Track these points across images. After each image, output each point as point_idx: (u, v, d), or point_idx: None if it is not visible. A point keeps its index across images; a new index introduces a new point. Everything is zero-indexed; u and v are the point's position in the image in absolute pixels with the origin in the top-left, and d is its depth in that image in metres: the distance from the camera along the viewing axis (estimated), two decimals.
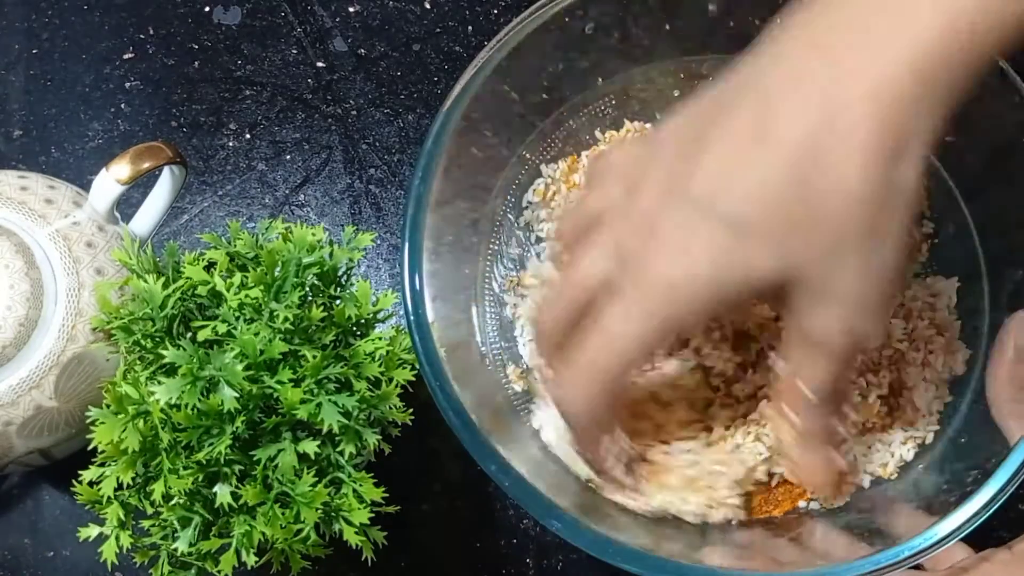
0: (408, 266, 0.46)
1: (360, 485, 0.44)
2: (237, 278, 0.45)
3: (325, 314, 0.44)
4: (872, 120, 0.37)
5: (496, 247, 0.54)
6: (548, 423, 0.49)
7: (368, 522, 0.44)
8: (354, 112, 0.65)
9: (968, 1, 0.36)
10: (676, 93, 0.55)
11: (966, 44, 0.36)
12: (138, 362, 0.45)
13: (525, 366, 0.53)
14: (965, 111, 0.39)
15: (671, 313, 0.41)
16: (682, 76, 0.54)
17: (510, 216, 0.54)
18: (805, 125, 0.37)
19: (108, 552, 0.44)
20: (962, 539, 0.42)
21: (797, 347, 0.41)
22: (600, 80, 0.54)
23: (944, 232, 0.52)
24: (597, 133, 0.56)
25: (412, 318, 0.46)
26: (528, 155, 0.54)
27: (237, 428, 0.42)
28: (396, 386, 0.45)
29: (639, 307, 0.41)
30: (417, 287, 0.46)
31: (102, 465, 0.44)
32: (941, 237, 0.52)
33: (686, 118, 0.41)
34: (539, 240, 0.55)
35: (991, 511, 0.40)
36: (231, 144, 0.65)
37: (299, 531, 0.43)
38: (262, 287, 0.44)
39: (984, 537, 0.45)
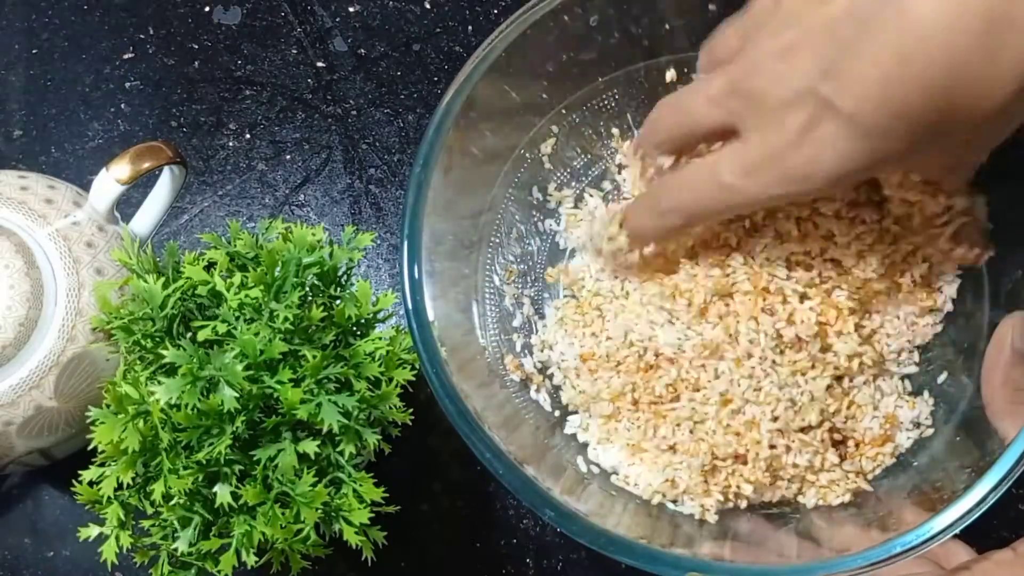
0: (407, 256, 0.46)
1: (360, 485, 0.44)
2: (237, 278, 0.45)
3: (325, 314, 0.44)
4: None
5: (497, 240, 0.54)
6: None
7: (368, 522, 0.44)
8: (354, 112, 0.65)
9: None
10: (677, 87, 0.55)
11: None
12: (138, 362, 0.45)
13: (523, 356, 0.53)
14: None
15: (789, 192, 0.42)
16: (686, 70, 0.54)
17: (512, 209, 0.54)
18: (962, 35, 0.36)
19: (108, 552, 0.44)
20: (964, 540, 0.42)
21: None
22: (600, 75, 0.54)
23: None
24: (600, 127, 0.56)
25: (410, 306, 0.46)
26: (528, 149, 0.54)
27: (237, 428, 0.42)
28: (396, 386, 0.45)
29: (762, 177, 0.42)
30: (416, 276, 0.46)
31: (102, 465, 0.44)
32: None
33: None
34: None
35: (985, 508, 0.41)
36: (231, 144, 0.65)
37: (299, 531, 0.43)
38: (262, 287, 0.44)
39: (986, 538, 0.46)
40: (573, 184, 0.56)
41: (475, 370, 0.50)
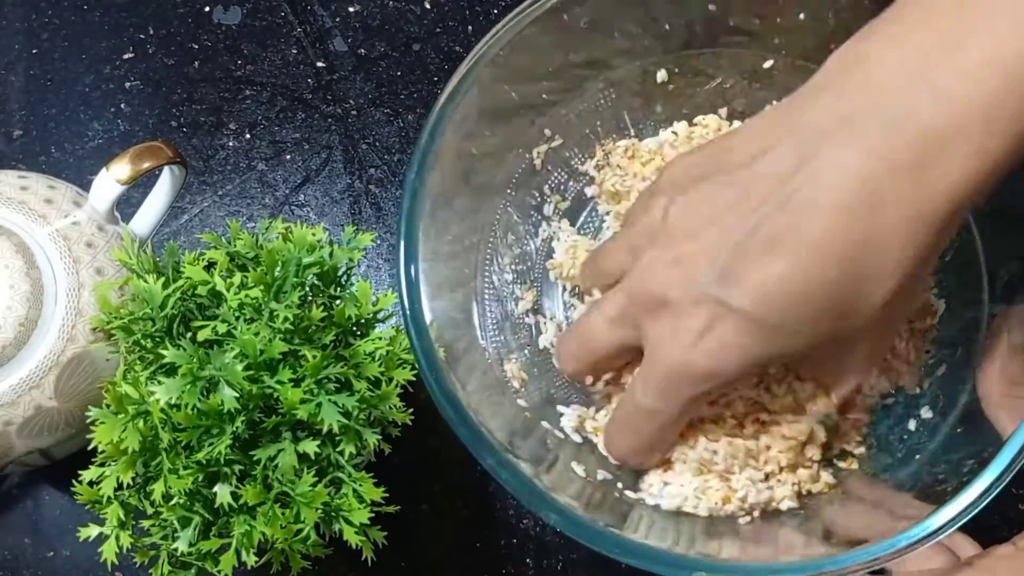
0: (404, 259, 0.46)
1: (360, 485, 0.44)
2: (237, 278, 0.44)
3: (325, 314, 0.44)
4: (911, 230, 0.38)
5: (495, 241, 0.54)
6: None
7: (368, 522, 0.44)
8: (354, 112, 0.65)
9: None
10: (671, 88, 0.55)
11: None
12: (138, 362, 0.45)
13: (526, 358, 0.53)
14: None
15: (703, 391, 0.43)
16: (677, 71, 0.54)
17: (510, 210, 0.54)
18: (848, 218, 0.38)
19: (108, 552, 0.44)
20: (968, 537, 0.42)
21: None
22: (595, 76, 0.54)
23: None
24: (597, 127, 0.56)
25: (407, 312, 0.46)
26: (526, 150, 0.54)
27: (237, 428, 0.42)
28: (396, 386, 0.45)
29: (671, 389, 0.43)
30: (413, 278, 0.46)
31: (102, 465, 0.44)
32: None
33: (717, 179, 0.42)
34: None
35: (987, 501, 0.41)
36: (231, 144, 0.65)
37: (299, 531, 0.43)
38: (262, 287, 0.44)
39: (987, 535, 0.46)
40: (569, 184, 0.56)
41: (475, 373, 0.50)
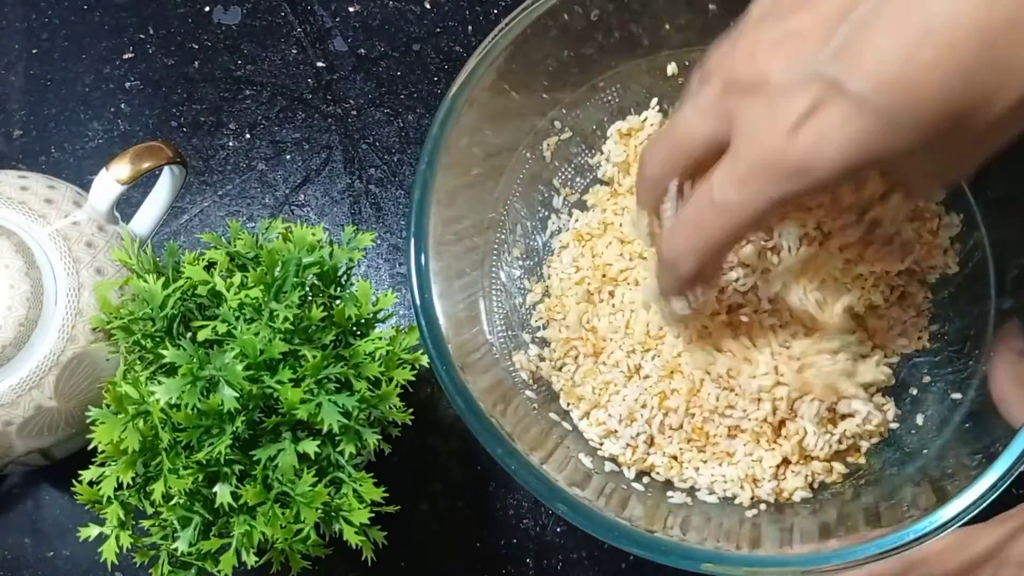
0: (415, 249, 0.47)
1: (360, 485, 0.44)
2: (237, 278, 0.44)
3: (325, 314, 0.44)
4: None
5: (503, 235, 0.54)
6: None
7: (368, 522, 0.44)
8: (354, 112, 0.65)
9: None
10: (680, 81, 0.55)
11: None
12: (138, 362, 0.45)
13: (531, 353, 0.53)
14: None
15: (789, 192, 0.38)
16: (687, 63, 0.54)
17: (518, 205, 0.54)
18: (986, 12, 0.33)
19: (108, 552, 0.44)
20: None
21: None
22: (603, 71, 0.54)
23: (950, 220, 0.52)
24: (604, 122, 0.56)
25: (418, 303, 0.46)
26: (532, 145, 0.54)
27: (237, 428, 0.42)
28: (396, 386, 0.45)
29: (756, 182, 0.38)
30: (423, 267, 0.46)
31: (102, 465, 0.44)
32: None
33: None
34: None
35: (994, 496, 0.41)
36: (231, 144, 0.65)
37: (299, 531, 0.43)
38: (262, 287, 0.44)
39: None
40: (577, 179, 0.56)
41: (483, 365, 0.50)
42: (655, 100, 0.56)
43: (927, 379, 0.51)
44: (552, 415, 0.51)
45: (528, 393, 0.51)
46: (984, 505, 0.41)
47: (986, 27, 0.33)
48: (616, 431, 0.51)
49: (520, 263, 0.55)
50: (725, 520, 0.48)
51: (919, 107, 0.35)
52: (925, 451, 0.49)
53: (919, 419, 0.50)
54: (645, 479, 0.50)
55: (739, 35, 0.40)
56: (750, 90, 0.38)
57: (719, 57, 0.41)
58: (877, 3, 0.35)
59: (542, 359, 0.53)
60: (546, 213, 0.56)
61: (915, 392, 0.51)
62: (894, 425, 0.50)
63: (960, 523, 0.41)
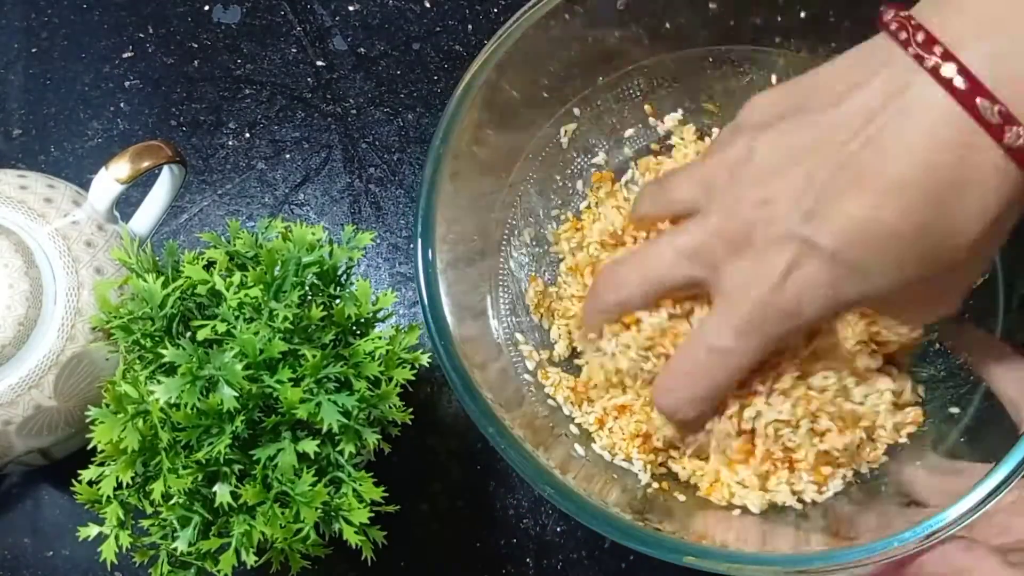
0: (422, 227, 0.47)
1: (360, 485, 0.44)
2: (236, 277, 0.44)
3: (325, 313, 0.44)
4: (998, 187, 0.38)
5: (514, 223, 0.54)
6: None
7: (368, 522, 0.44)
8: (354, 111, 0.65)
9: None
10: (698, 80, 0.55)
11: None
12: (137, 361, 0.45)
13: (537, 339, 0.53)
14: None
15: (783, 332, 0.42)
16: (710, 59, 0.54)
17: (531, 191, 0.54)
18: (936, 163, 0.38)
19: (108, 552, 0.44)
20: None
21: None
22: (626, 62, 0.54)
23: None
24: (625, 114, 0.56)
25: (421, 277, 0.46)
26: (551, 132, 0.54)
27: (237, 428, 0.42)
28: (396, 385, 0.44)
29: (753, 327, 0.42)
30: (429, 246, 0.47)
31: (101, 464, 0.44)
32: None
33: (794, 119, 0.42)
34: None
35: (1001, 495, 0.41)
36: (230, 143, 0.64)
37: (299, 531, 0.42)
38: (262, 286, 0.44)
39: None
40: (593, 171, 0.56)
41: (484, 349, 0.50)
42: (678, 113, 0.56)
43: (926, 392, 0.51)
44: (550, 401, 0.52)
45: (527, 377, 0.52)
46: (991, 503, 0.41)
47: (932, 186, 0.38)
48: (610, 425, 0.51)
49: (529, 251, 0.55)
50: (719, 516, 0.48)
51: (884, 258, 0.39)
52: (919, 463, 0.49)
53: (915, 432, 0.50)
54: (640, 472, 0.50)
55: (706, 181, 0.44)
56: (736, 249, 0.42)
57: (686, 194, 0.45)
58: (840, 165, 0.39)
59: (544, 347, 0.53)
60: (560, 202, 0.56)
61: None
62: (889, 441, 0.50)
63: (968, 522, 0.41)
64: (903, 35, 0.38)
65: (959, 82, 0.37)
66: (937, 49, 0.37)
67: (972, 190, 0.38)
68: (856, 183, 0.39)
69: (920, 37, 0.38)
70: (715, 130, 0.57)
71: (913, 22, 0.38)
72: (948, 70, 0.37)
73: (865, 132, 0.39)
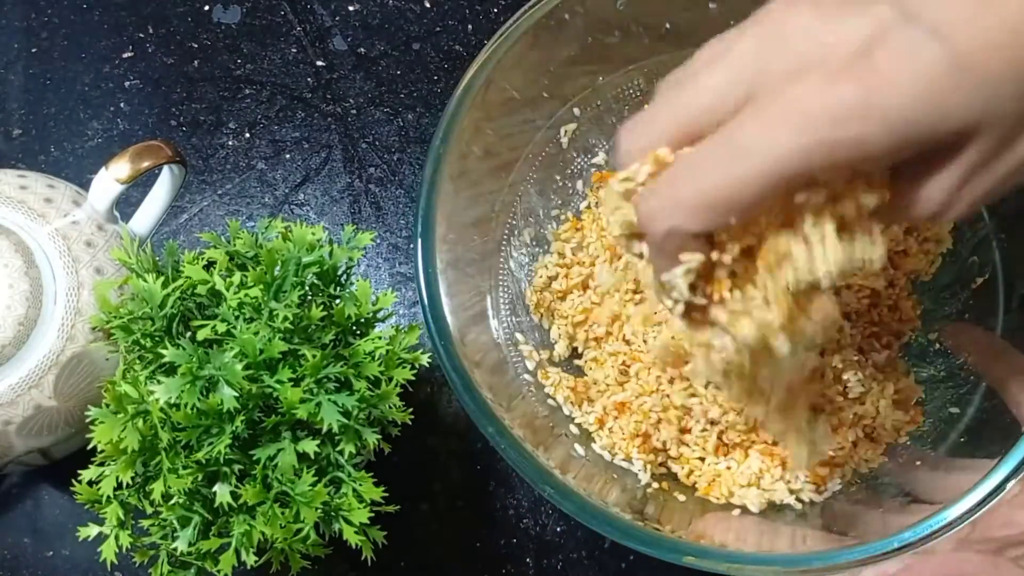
0: (422, 227, 0.47)
1: (360, 485, 0.44)
2: (236, 277, 0.44)
3: (325, 313, 0.44)
4: None
5: (514, 222, 0.54)
6: None
7: (368, 522, 0.44)
8: (354, 111, 0.65)
9: None
10: None
11: None
12: (137, 361, 0.45)
13: (536, 339, 0.53)
14: None
15: (838, 137, 0.30)
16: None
17: (531, 191, 0.54)
18: None
19: (108, 551, 0.44)
20: None
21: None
22: (627, 63, 0.54)
23: (961, 233, 0.52)
24: (625, 115, 0.56)
25: (422, 276, 0.46)
26: (551, 132, 0.55)
27: (237, 428, 0.42)
28: (396, 385, 0.44)
29: (792, 119, 0.30)
30: (429, 245, 0.47)
31: (101, 464, 0.44)
32: (958, 239, 0.52)
33: None
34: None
35: (1000, 496, 0.41)
36: (230, 143, 0.64)
37: (299, 531, 0.43)
38: (262, 286, 0.44)
39: None
40: (592, 170, 0.56)
41: (484, 349, 0.50)
42: None
43: (926, 392, 0.51)
44: (550, 401, 0.52)
45: (527, 377, 0.52)
46: (992, 503, 0.41)
47: None
48: (610, 425, 0.51)
49: (529, 251, 0.55)
50: (710, 517, 0.48)
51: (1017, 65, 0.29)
52: (919, 463, 0.49)
53: (915, 432, 0.50)
54: (640, 472, 0.50)
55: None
56: (790, 54, 0.31)
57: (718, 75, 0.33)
58: None
59: (544, 346, 0.53)
60: (560, 201, 0.56)
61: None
62: (889, 440, 0.50)
63: (948, 533, 0.41)
64: None
65: None
66: None
67: None
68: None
69: None
70: None
71: None
72: None
73: None
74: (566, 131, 0.55)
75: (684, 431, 0.50)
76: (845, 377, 0.49)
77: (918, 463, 0.48)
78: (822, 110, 0.30)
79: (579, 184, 0.56)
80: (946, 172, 0.32)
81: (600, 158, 0.57)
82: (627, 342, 0.52)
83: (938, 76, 0.29)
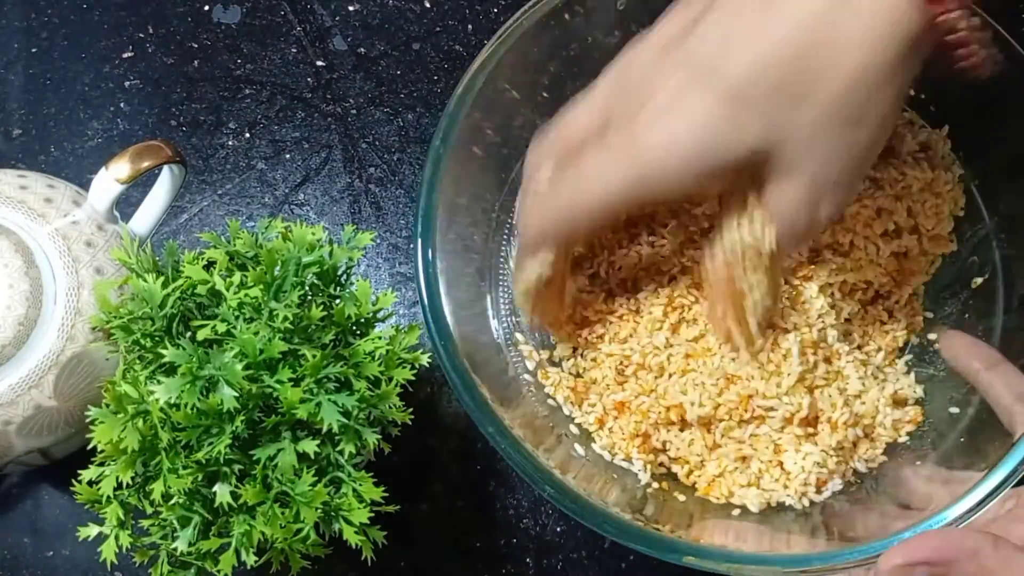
0: (422, 227, 0.47)
1: (360, 485, 0.44)
2: (236, 277, 0.44)
3: (325, 313, 0.44)
4: (889, 9, 0.38)
5: (514, 222, 0.54)
6: None
7: (368, 522, 0.44)
8: (354, 111, 0.65)
9: None
10: None
11: None
12: (137, 361, 0.45)
13: (536, 341, 0.53)
14: (991, 120, 0.40)
15: (648, 174, 0.42)
16: None
17: None
18: None
19: (108, 552, 0.44)
20: None
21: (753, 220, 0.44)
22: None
23: (961, 233, 0.52)
24: None
25: (422, 275, 0.46)
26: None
27: (237, 428, 0.42)
28: (396, 385, 0.44)
29: (618, 158, 0.42)
30: (429, 245, 0.47)
31: (101, 464, 0.44)
32: (959, 238, 0.52)
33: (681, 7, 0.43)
34: None
35: (999, 496, 0.41)
36: (230, 143, 0.64)
37: (299, 531, 0.43)
38: (262, 286, 0.44)
39: None
40: None
41: (485, 351, 0.50)
42: None
43: (926, 392, 0.51)
44: (550, 401, 0.52)
45: (527, 377, 0.52)
46: (973, 518, 0.41)
47: (804, 38, 0.39)
48: (610, 425, 0.51)
49: None
50: (710, 517, 0.48)
51: (780, 95, 0.40)
52: (919, 463, 0.49)
53: (915, 432, 0.50)
54: (640, 472, 0.50)
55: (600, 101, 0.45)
56: (637, 86, 0.42)
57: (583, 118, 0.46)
58: (728, 29, 0.40)
59: (544, 347, 0.53)
60: None
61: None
62: (888, 440, 0.50)
63: (967, 522, 0.41)
64: None
65: None
66: None
67: (859, 17, 0.38)
68: (751, 34, 0.39)
69: None
70: None
71: None
72: None
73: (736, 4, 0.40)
74: None
75: (684, 427, 0.50)
76: (845, 375, 0.49)
77: (917, 462, 0.48)
78: (636, 155, 0.41)
79: None
80: (776, 186, 0.43)
81: None
82: (623, 341, 0.52)
83: (712, 116, 0.40)
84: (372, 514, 0.44)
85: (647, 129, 0.41)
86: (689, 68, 0.41)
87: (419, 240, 0.47)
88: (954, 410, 0.49)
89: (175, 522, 0.43)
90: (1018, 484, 0.42)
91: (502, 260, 0.54)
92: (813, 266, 0.50)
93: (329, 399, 0.42)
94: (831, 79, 0.39)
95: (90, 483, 0.44)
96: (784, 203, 0.43)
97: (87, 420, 0.43)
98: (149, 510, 0.44)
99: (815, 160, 0.41)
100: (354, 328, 0.46)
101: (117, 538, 0.44)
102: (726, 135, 0.40)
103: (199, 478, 0.42)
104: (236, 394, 0.42)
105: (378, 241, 0.62)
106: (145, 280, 0.45)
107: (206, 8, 0.67)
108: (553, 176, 0.45)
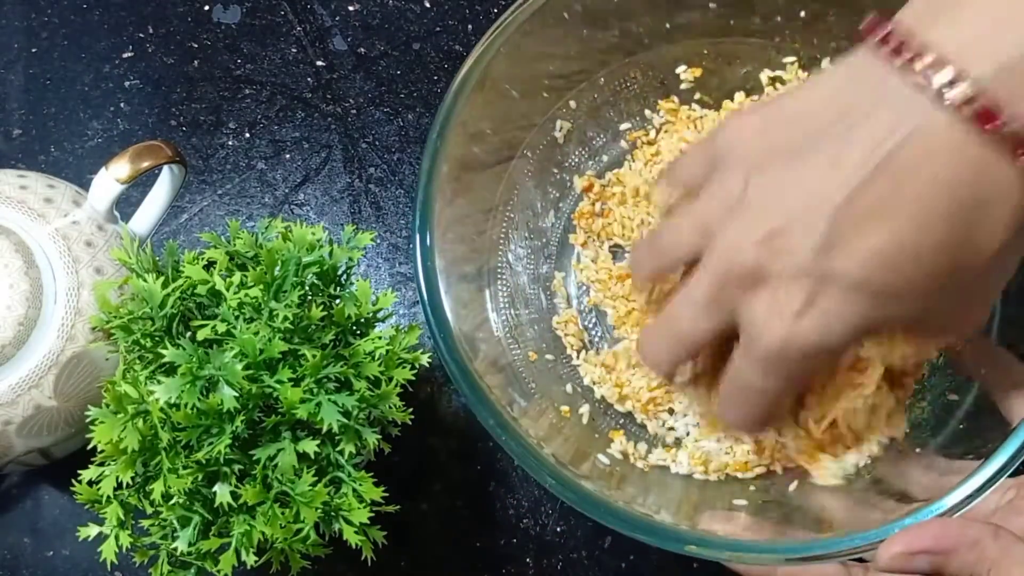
0: (419, 221, 0.47)
1: (360, 485, 0.44)
2: (237, 277, 0.44)
3: (325, 313, 0.44)
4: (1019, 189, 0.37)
5: (512, 215, 0.54)
6: None
7: (368, 522, 0.44)
8: (354, 111, 0.65)
9: None
10: (694, 74, 0.55)
11: None
12: (137, 361, 0.45)
13: (536, 333, 0.53)
14: None
15: (801, 368, 0.41)
16: (706, 52, 0.55)
17: (529, 184, 0.54)
18: (953, 191, 0.37)
19: (108, 552, 0.44)
20: None
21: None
22: (623, 57, 0.55)
23: None
24: (621, 108, 0.56)
25: (420, 268, 0.46)
26: (548, 125, 0.55)
27: (237, 428, 0.42)
28: (396, 385, 0.45)
29: (775, 365, 0.41)
30: (428, 239, 0.47)
31: (101, 464, 0.44)
32: None
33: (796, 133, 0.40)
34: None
35: (995, 485, 0.41)
36: (230, 143, 0.64)
37: (299, 531, 0.43)
38: (262, 286, 0.44)
39: None
40: (590, 163, 0.56)
41: (483, 343, 0.50)
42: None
43: (924, 379, 0.51)
44: (550, 397, 0.52)
45: (523, 371, 0.52)
46: (971, 505, 0.41)
47: (950, 208, 0.37)
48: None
49: (527, 243, 0.55)
50: (717, 503, 0.48)
51: (904, 279, 0.39)
52: (918, 451, 0.49)
53: (915, 419, 0.50)
54: (640, 462, 0.51)
55: (700, 223, 0.42)
56: (748, 287, 0.40)
57: (692, 177, 0.44)
58: (853, 194, 0.38)
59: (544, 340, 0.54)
60: (557, 194, 0.56)
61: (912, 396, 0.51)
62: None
63: (964, 511, 0.41)
64: (899, 55, 0.37)
65: (968, 104, 0.36)
66: (941, 72, 0.36)
67: (991, 207, 0.37)
68: (872, 211, 0.38)
69: (922, 60, 0.37)
70: (708, 118, 0.57)
71: (913, 42, 0.37)
72: (955, 93, 0.36)
73: (873, 161, 0.37)
74: (562, 125, 0.55)
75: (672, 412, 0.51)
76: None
77: (917, 450, 0.48)
78: (790, 353, 0.41)
79: (575, 178, 0.56)
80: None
81: (596, 151, 0.57)
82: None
83: (849, 312, 0.39)
84: (372, 514, 0.44)
85: (799, 329, 0.40)
86: (818, 277, 0.39)
87: (417, 234, 0.47)
88: (953, 397, 0.49)
89: (175, 522, 0.43)
90: (1018, 472, 0.42)
91: (500, 253, 0.54)
92: None
93: (329, 399, 0.42)
94: (977, 265, 0.39)
95: (90, 483, 0.44)
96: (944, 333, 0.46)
97: (87, 420, 0.43)
98: (149, 510, 0.44)
99: (954, 321, 0.43)
100: (354, 328, 0.46)
101: (117, 538, 0.44)
102: (854, 327, 0.40)
103: (199, 478, 0.42)
104: (236, 394, 0.42)
105: (378, 241, 0.62)
106: (145, 280, 0.45)
107: (206, 8, 0.67)
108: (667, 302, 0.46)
